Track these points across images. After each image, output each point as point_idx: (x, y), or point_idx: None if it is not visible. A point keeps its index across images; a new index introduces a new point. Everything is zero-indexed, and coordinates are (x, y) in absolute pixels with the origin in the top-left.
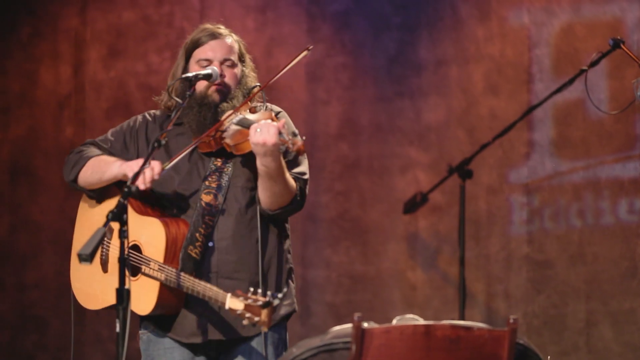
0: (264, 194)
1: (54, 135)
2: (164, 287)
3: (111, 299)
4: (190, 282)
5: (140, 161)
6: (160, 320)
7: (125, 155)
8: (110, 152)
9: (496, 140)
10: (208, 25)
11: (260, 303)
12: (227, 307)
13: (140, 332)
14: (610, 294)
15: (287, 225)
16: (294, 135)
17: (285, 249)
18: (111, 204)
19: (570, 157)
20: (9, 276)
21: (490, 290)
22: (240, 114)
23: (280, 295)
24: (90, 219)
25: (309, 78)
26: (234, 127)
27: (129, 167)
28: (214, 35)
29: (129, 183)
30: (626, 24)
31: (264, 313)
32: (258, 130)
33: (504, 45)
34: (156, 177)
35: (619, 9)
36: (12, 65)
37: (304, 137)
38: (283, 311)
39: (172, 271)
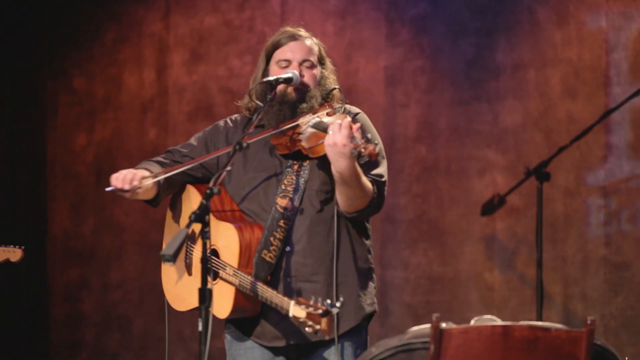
0: (340, 198)
1: (138, 138)
2: (240, 292)
3: (195, 302)
4: (260, 289)
5: (131, 171)
6: (242, 322)
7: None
8: (189, 157)
9: (573, 143)
10: (288, 28)
11: (320, 312)
12: (290, 314)
13: (225, 332)
14: None
15: (368, 226)
16: (368, 140)
17: (366, 250)
18: (196, 205)
19: None
20: (94, 276)
21: (568, 292)
22: (318, 116)
23: (338, 304)
24: (177, 220)
25: (387, 81)
26: (310, 130)
27: (116, 175)
28: (294, 37)
29: (211, 185)
30: None
31: (324, 321)
32: (330, 132)
33: (581, 49)
34: (135, 182)
35: None
36: (97, 69)
37: (376, 142)
38: (363, 312)
39: (244, 277)
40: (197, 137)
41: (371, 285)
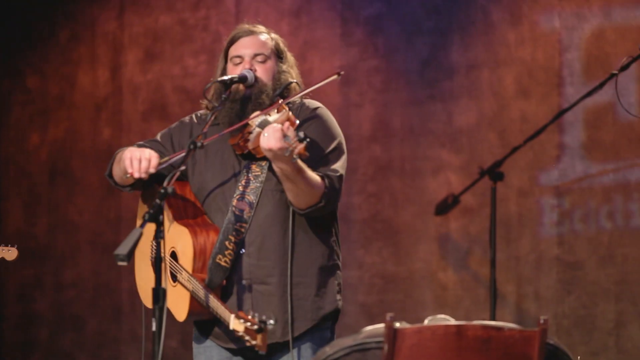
0: (288, 195)
1: (92, 137)
2: (194, 298)
3: None
4: (208, 298)
5: (145, 151)
6: (201, 323)
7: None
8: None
9: (527, 143)
10: (244, 24)
11: (255, 328)
12: (230, 327)
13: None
14: (639, 294)
15: (334, 223)
16: (300, 139)
17: (328, 247)
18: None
19: (600, 160)
20: (47, 276)
21: (521, 291)
22: (267, 114)
23: (272, 321)
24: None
25: (342, 81)
26: (257, 130)
27: (129, 154)
28: (247, 33)
29: (165, 184)
30: None
31: (259, 337)
32: (265, 135)
33: (535, 49)
34: (152, 170)
35: None
36: (51, 68)
37: (308, 140)
38: (323, 311)
39: (196, 283)
40: (162, 134)
41: (333, 283)
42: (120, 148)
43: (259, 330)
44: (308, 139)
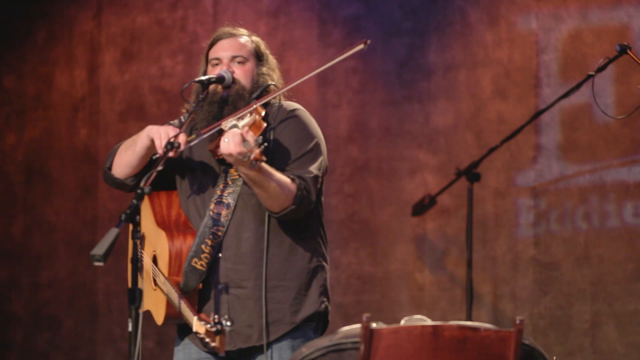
0: (259, 199)
1: (69, 137)
2: (169, 300)
3: (147, 305)
4: (178, 301)
5: (169, 128)
6: (180, 325)
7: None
8: None
9: (504, 143)
10: (225, 27)
11: (214, 330)
12: (194, 330)
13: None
14: (615, 295)
15: (318, 224)
16: (258, 144)
17: (311, 249)
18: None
19: (577, 161)
20: (23, 276)
21: (497, 292)
22: (239, 118)
23: (228, 323)
24: (144, 220)
25: (319, 82)
26: None
27: (157, 131)
28: (226, 35)
29: (142, 184)
30: (633, 30)
31: (218, 339)
32: (225, 140)
33: (512, 50)
34: (182, 146)
35: (626, 15)
36: (28, 68)
37: (265, 144)
38: (302, 313)
39: (170, 286)
40: None
41: (316, 284)
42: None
43: (217, 332)
44: (266, 144)
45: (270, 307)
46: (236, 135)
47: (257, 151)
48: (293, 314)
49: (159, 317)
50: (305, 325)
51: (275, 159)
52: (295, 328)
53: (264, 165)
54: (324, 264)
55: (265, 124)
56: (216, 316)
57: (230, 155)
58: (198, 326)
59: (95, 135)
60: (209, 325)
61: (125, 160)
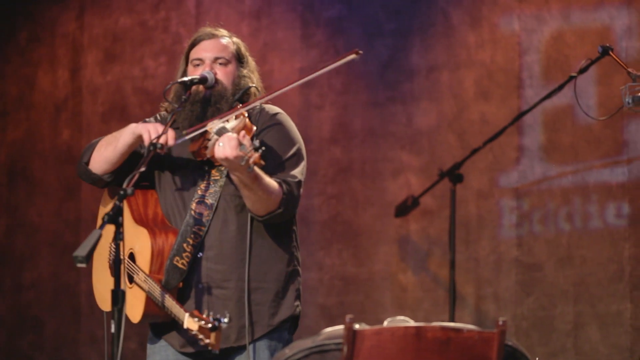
0: (246, 201)
1: (51, 138)
2: (150, 299)
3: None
4: (164, 297)
5: (157, 125)
6: (156, 325)
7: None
8: None
9: (486, 145)
10: (206, 27)
11: (209, 326)
12: (185, 326)
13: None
14: (597, 296)
15: (294, 228)
16: (255, 148)
17: (288, 253)
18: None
19: (559, 162)
20: (6, 277)
21: (480, 293)
22: (225, 121)
23: (225, 319)
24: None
25: (303, 83)
26: (214, 138)
27: (145, 128)
28: (208, 36)
29: (125, 185)
30: (615, 31)
31: (213, 336)
32: (220, 144)
33: (494, 52)
34: (171, 142)
35: (608, 16)
36: (10, 69)
37: (263, 148)
38: (279, 317)
39: (153, 284)
40: None
41: (292, 288)
42: (96, 139)
43: (213, 329)
44: (263, 148)
45: (250, 309)
46: (232, 140)
47: (255, 155)
48: (271, 316)
49: (136, 315)
50: (280, 326)
51: None
52: (271, 330)
53: (256, 168)
54: (299, 268)
55: (255, 128)
56: (211, 313)
57: (226, 159)
58: (190, 323)
59: (77, 136)
60: (203, 322)
61: (105, 156)
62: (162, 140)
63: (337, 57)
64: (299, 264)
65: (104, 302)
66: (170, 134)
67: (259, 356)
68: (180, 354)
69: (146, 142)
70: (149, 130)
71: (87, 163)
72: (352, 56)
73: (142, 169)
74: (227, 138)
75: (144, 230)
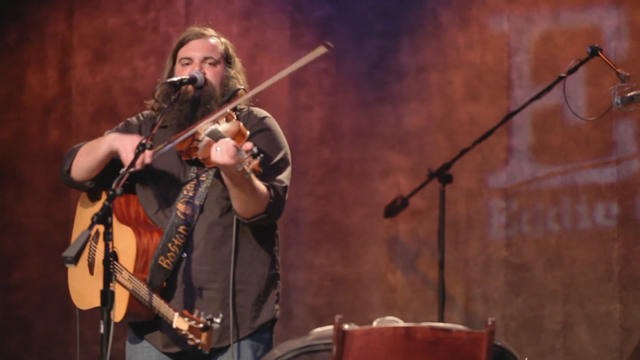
0: (234, 203)
1: (40, 138)
2: (133, 297)
3: (96, 301)
4: (150, 296)
5: (134, 138)
6: (138, 324)
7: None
8: None
9: (476, 145)
10: (194, 27)
11: (201, 326)
12: (174, 325)
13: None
14: (587, 297)
15: (276, 232)
16: (253, 155)
17: (270, 257)
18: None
19: (548, 163)
20: None
21: (469, 293)
22: (215, 122)
23: (218, 320)
24: (86, 220)
25: (291, 84)
26: (206, 139)
27: (121, 143)
28: (197, 35)
29: (114, 185)
30: (604, 32)
31: (204, 336)
32: (217, 149)
33: (484, 52)
34: (148, 160)
35: (597, 17)
36: None
37: (261, 156)
38: (261, 319)
39: (138, 282)
40: (110, 134)
41: (273, 292)
42: (77, 144)
43: (205, 329)
44: (261, 155)
45: (234, 310)
46: (231, 147)
47: (254, 162)
48: (253, 319)
49: (118, 314)
50: (260, 330)
51: None
52: (253, 332)
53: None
54: (280, 272)
55: (248, 132)
56: (202, 312)
57: (224, 165)
58: (180, 322)
59: (67, 137)
60: (193, 322)
61: (84, 164)
62: (138, 162)
63: (307, 53)
64: (280, 268)
65: (81, 299)
66: (147, 152)
67: (242, 355)
68: (163, 354)
69: (124, 160)
70: (127, 147)
71: (69, 171)
72: (322, 50)
73: (131, 169)
74: (225, 144)
75: (128, 229)
